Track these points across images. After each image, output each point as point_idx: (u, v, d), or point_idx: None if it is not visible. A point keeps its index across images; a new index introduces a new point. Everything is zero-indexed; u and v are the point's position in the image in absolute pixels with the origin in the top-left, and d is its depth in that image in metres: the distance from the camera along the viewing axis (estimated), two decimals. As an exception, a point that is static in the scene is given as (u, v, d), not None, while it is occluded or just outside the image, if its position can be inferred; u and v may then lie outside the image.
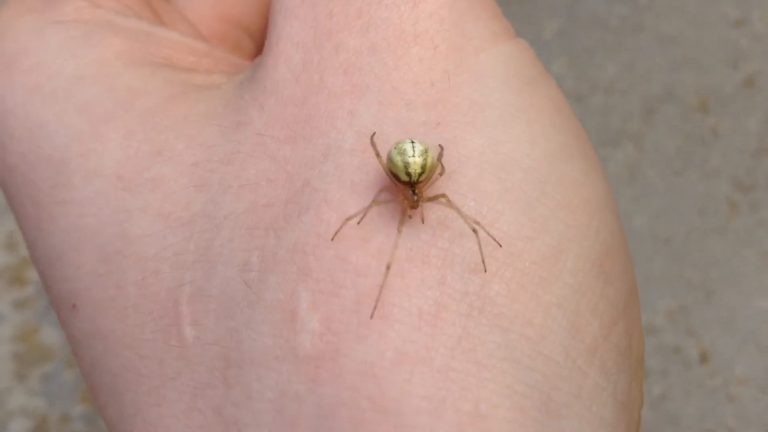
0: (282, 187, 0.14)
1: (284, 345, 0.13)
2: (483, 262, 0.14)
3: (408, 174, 0.14)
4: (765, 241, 0.35)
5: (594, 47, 0.37)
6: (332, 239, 0.13)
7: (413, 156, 0.14)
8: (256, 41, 0.21)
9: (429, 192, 0.15)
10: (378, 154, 0.14)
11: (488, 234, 0.14)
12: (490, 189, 0.14)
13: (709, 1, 0.37)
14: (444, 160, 0.15)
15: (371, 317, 0.13)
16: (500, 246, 0.14)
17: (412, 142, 0.14)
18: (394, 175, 0.15)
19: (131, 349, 0.15)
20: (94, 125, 0.16)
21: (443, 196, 0.14)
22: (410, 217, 0.14)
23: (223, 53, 0.18)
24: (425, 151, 0.14)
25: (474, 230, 0.14)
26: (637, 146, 0.36)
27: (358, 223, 0.14)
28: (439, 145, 0.15)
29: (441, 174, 0.15)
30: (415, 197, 0.14)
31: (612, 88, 0.36)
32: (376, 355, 0.13)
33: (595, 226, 0.15)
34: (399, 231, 0.14)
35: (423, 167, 0.14)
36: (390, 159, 0.14)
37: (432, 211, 0.14)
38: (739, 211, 0.35)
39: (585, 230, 0.14)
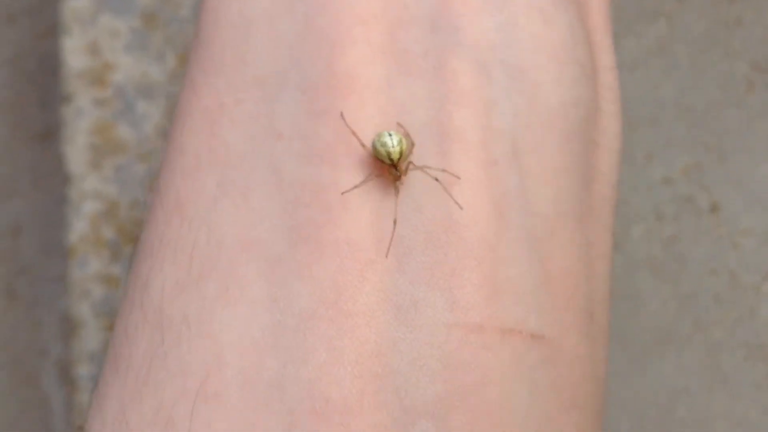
0: None
1: None
2: None
3: (391, 159, 0.19)
4: (776, 117, 0.38)
5: (636, -63, 0.40)
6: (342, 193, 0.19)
7: (393, 146, 0.19)
8: None
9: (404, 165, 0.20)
10: (363, 145, 0.19)
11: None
12: None
13: None
14: None
15: None
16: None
17: (390, 135, 0.19)
18: (379, 160, 0.19)
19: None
20: None
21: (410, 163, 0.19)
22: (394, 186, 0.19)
23: None
24: (401, 140, 0.19)
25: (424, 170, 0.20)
26: (669, 24, 0.39)
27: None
28: (399, 124, 0.19)
29: (411, 150, 0.19)
30: (398, 173, 0.19)
31: (651, -29, 0.40)
32: None
33: None
34: (396, 195, 0.19)
35: (400, 153, 0.19)
36: (374, 148, 0.19)
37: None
38: (756, 89, 0.39)
39: None
